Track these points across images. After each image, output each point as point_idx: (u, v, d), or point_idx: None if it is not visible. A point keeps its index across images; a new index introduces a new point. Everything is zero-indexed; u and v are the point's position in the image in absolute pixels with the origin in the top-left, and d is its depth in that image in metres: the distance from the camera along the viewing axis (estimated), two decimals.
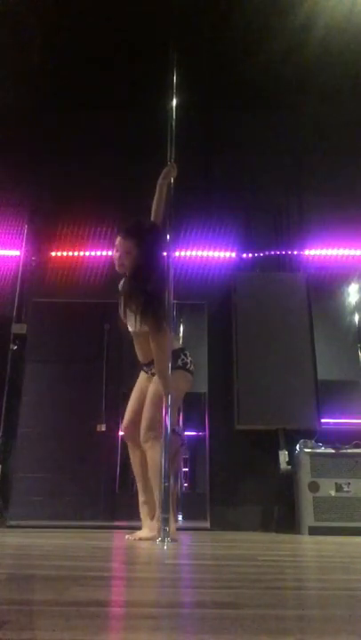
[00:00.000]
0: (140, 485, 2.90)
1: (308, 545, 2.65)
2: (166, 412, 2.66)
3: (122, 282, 2.89)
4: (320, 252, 5.19)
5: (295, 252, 5.17)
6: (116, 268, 2.84)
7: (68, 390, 5.14)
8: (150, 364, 2.85)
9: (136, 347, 2.92)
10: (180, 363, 2.83)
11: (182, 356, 2.86)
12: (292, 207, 5.32)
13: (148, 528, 2.72)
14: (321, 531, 3.56)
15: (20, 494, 4.62)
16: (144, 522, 2.80)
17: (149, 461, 2.80)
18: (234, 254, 5.17)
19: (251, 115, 5.49)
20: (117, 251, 2.80)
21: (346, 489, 3.68)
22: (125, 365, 5.50)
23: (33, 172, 5.42)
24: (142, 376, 3.00)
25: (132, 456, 2.97)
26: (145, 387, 2.91)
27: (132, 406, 2.96)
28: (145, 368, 2.96)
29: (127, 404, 3.04)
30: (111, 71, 5.11)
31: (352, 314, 4.87)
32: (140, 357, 2.92)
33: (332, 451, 3.81)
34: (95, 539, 2.80)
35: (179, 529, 3.02)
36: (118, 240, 2.81)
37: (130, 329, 2.85)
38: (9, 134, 5.23)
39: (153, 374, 2.85)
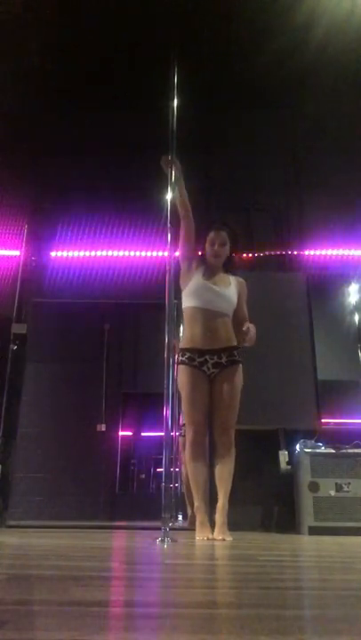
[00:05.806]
0: (203, 497, 2.83)
1: (308, 545, 2.64)
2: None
3: (199, 269, 2.92)
4: (320, 251, 5.20)
5: (295, 252, 5.18)
6: (214, 260, 2.94)
7: (68, 390, 5.14)
8: (225, 350, 2.79)
9: (215, 329, 2.80)
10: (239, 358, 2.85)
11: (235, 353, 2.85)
12: (292, 207, 5.33)
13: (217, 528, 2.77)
14: (321, 531, 3.55)
15: (20, 494, 4.63)
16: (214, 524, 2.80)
17: (229, 468, 2.80)
18: (234, 254, 5.17)
19: (251, 114, 5.50)
20: (218, 244, 2.93)
21: (346, 489, 3.67)
22: (125, 365, 5.51)
23: (33, 171, 5.42)
24: (198, 376, 2.79)
25: (197, 472, 2.83)
26: (206, 388, 2.80)
27: (202, 416, 2.80)
28: (206, 357, 2.78)
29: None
30: (111, 71, 5.12)
31: (352, 314, 4.87)
32: (216, 342, 2.78)
33: (333, 451, 3.81)
34: (95, 539, 2.80)
35: (179, 529, 3.02)
36: (216, 233, 2.92)
37: (222, 310, 2.83)
38: (9, 134, 5.24)
39: (218, 364, 2.77)
